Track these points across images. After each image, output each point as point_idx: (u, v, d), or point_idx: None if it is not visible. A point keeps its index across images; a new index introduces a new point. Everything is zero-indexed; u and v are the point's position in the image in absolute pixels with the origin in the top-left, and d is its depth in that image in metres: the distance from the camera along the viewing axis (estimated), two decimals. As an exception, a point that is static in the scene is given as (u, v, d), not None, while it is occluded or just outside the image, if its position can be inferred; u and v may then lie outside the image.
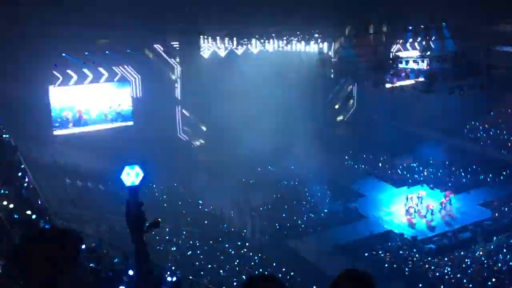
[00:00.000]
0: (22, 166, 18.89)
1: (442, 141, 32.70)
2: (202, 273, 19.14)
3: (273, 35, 31.09)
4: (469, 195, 27.88)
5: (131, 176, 3.40)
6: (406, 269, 20.55)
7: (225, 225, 24.31)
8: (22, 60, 23.10)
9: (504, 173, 29.44)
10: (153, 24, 26.38)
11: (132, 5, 24.64)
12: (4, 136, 21.12)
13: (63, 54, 26.66)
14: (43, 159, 24.12)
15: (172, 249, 21.25)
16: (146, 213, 3.44)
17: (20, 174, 18.03)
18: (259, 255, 21.61)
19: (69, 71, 27.11)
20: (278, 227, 24.49)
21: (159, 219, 3.48)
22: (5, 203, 14.11)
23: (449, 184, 29.05)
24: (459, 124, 34.34)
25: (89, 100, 28.11)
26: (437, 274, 19.89)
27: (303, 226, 24.80)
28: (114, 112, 28.92)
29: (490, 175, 29.55)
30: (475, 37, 32.88)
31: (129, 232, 3.38)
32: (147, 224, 3.42)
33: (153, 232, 3.42)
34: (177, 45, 29.78)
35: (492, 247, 22.34)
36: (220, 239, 22.49)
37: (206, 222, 24.45)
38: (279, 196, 27.68)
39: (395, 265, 20.89)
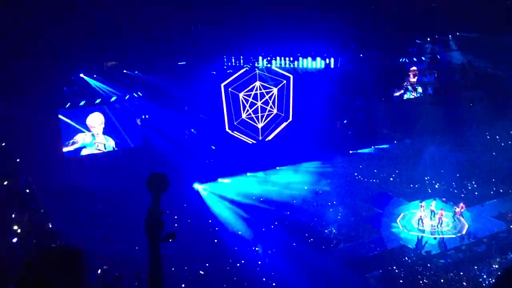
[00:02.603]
0: (34, 191, 19.01)
1: (453, 153, 32.41)
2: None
3: (279, 53, 31.46)
4: (482, 207, 27.52)
5: (156, 184, 3.47)
6: (421, 283, 20.26)
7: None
8: (32, 81, 23.31)
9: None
10: (160, 44, 26.66)
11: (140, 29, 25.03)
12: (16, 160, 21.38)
13: (72, 78, 26.96)
14: (54, 182, 24.19)
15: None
16: (164, 222, 3.48)
17: (31, 198, 18.14)
18: (272, 273, 21.47)
19: (78, 93, 27.36)
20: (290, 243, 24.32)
21: (175, 232, 3.53)
22: (15, 227, 14.18)
23: (462, 196, 28.79)
24: (470, 135, 34.08)
25: (99, 122, 28.29)
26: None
27: (313, 242, 24.61)
28: (123, 133, 29.04)
29: (504, 186, 29.23)
30: (482, 49, 32.90)
31: (147, 240, 3.42)
32: (164, 234, 3.48)
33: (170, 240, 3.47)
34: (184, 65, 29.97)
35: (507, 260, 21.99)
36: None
37: (216, 241, 24.40)
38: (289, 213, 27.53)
39: (410, 278, 20.61)
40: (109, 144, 28.54)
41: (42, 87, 24.62)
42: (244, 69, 31.00)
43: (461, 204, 26.55)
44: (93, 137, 28.13)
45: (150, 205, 3.45)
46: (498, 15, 28.84)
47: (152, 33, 25.60)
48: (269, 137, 32.40)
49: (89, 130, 27.92)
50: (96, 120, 28.20)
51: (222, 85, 30.65)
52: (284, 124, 32.75)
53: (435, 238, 24.79)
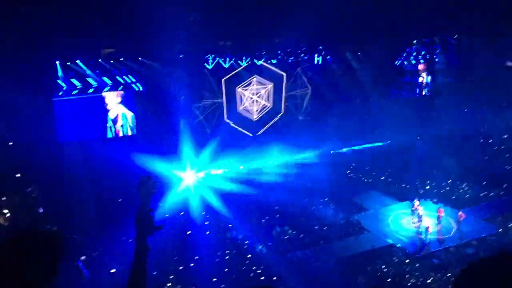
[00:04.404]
0: (26, 175, 18.99)
1: (446, 154, 32.61)
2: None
3: (279, 52, 31.48)
4: (473, 210, 27.70)
5: (147, 185, 3.55)
6: (409, 284, 20.39)
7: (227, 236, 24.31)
8: (26, 68, 23.15)
9: (507, 187, 29.39)
10: (157, 34, 26.52)
11: (137, 16, 24.85)
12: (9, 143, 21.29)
13: (68, 63, 26.79)
14: (47, 168, 24.11)
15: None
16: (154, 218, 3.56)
17: (24, 183, 18.14)
18: (261, 267, 21.55)
19: (73, 80, 27.21)
20: (279, 239, 24.42)
21: (162, 225, 3.61)
22: (5, 211, 14.16)
23: (453, 198, 28.97)
24: (462, 138, 34.27)
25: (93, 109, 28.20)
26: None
27: (303, 238, 24.71)
28: (116, 122, 28.94)
29: (495, 189, 29.48)
30: (480, 51, 33.02)
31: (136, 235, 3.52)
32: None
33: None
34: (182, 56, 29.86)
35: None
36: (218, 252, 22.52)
37: (208, 233, 24.48)
38: (277, 208, 27.60)
39: (397, 279, 20.74)
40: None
41: (36, 73, 24.47)
42: (244, 65, 31.07)
43: (441, 209, 26.55)
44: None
45: (140, 204, 3.54)
46: (496, 18, 28.92)
47: (151, 25, 25.47)
48: (261, 131, 32.45)
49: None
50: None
51: (223, 80, 30.73)
52: (278, 117, 32.86)
53: (423, 239, 24.94)
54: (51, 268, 2.71)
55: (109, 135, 28.60)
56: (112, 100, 28.46)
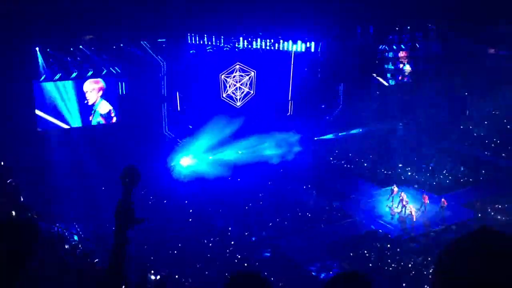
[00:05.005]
0: (4, 164, 18.72)
1: (427, 140, 33.03)
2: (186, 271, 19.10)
3: (260, 33, 31.26)
4: (453, 195, 28.13)
5: (128, 176, 3.45)
6: (390, 268, 20.72)
7: (211, 223, 24.33)
8: (6, 54, 22.73)
9: (486, 173, 29.93)
10: (140, 19, 26.23)
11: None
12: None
13: (48, 50, 26.41)
14: (27, 157, 23.84)
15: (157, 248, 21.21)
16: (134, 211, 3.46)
17: (3, 171, 17.88)
18: (244, 253, 21.67)
19: (54, 67, 26.84)
20: (263, 226, 24.54)
21: (144, 218, 3.49)
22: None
23: (434, 183, 29.38)
24: (443, 125, 34.69)
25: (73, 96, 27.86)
26: (421, 273, 20.08)
27: (287, 225, 24.88)
28: (97, 109, 28.67)
29: (474, 175, 29.99)
30: (461, 38, 33.35)
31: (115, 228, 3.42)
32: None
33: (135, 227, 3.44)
34: (164, 42, 29.61)
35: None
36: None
37: (190, 220, 24.50)
38: (263, 195, 27.71)
39: (379, 264, 21.05)
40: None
41: (17, 59, 24.07)
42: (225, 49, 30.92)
43: (425, 196, 26.85)
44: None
45: (121, 197, 3.43)
46: (479, 5, 29.15)
47: (131, 7, 25.14)
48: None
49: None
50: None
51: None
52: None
53: (404, 224, 25.30)
54: (21, 259, 2.64)
55: (94, 122, 28.43)
56: (92, 86, 28.16)
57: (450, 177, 30.28)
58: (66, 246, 17.87)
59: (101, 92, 28.32)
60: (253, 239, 23.67)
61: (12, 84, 23.65)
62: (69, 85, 27.52)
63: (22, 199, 17.48)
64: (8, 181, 16.99)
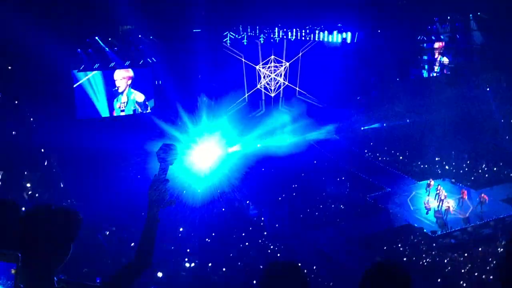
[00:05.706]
0: (47, 151, 19.29)
1: (465, 134, 32.19)
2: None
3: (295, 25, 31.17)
4: (492, 190, 27.41)
5: (166, 154, 3.41)
6: (424, 262, 20.38)
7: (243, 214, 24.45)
8: (46, 44, 23.28)
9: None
10: (177, 11, 26.45)
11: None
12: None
13: (87, 40, 26.93)
14: (67, 144, 24.39)
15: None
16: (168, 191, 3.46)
17: (44, 158, 18.44)
18: (277, 244, 21.68)
19: (93, 56, 27.38)
20: (296, 217, 24.49)
21: (175, 200, 3.50)
22: (28, 185, 14.44)
23: (472, 178, 28.70)
24: (481, 118, 33.72)
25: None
26: (457, 269, 19.69)
27: (319, 216, 24.76)
28: (134, 99, 29.14)
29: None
30: (503, 30, 32.22)
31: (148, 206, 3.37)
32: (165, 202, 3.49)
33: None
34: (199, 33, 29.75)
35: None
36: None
37: (223, 209, 24.60)
38: (296, 186, 27.60)
39: (413, 258, 20.73)
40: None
41: (56, 48, 24.60)
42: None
43: (464, 190, 26.26)
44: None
45: (156, 173, 3.41)
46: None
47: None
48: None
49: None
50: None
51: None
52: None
53: (441, 219, 24.83)
54: (65, 244, 2.81)
55: (128, 111, 28.88)
56: (122, 75, 28.58)
57: (488, 172, 29.51)
58: (106, 232, 18.33)
59: (130, 81, 28.74)
60: (285, 230, 23.65)
61: (52, 71, 24.17)
62: (98, 76, 28.02)
63: (62, 185, 17.98)
64: (49, 165, 17.54)
